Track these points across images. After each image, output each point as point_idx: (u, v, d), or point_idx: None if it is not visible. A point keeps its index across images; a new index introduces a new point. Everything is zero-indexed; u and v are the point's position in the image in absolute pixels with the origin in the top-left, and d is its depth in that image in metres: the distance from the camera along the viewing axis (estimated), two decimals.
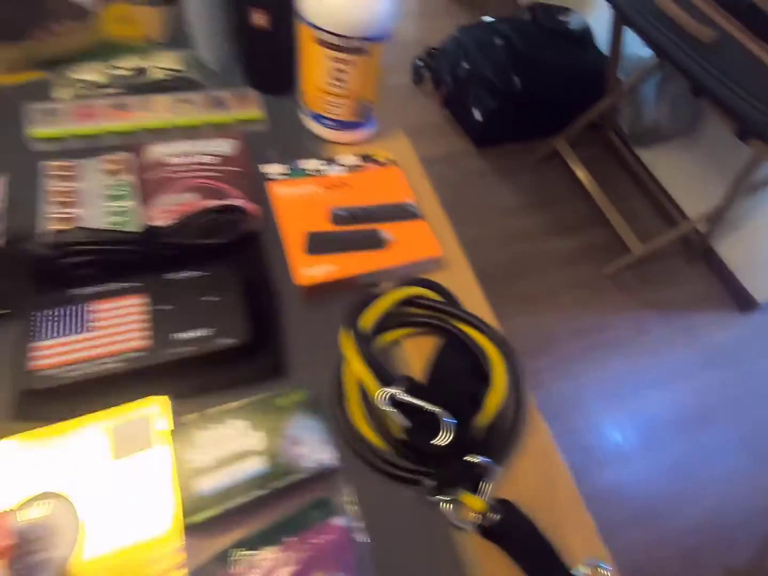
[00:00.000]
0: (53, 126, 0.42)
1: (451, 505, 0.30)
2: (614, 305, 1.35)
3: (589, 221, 1.53)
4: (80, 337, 0.30)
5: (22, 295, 0.33)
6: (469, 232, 0.75)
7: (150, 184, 0.41)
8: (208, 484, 0.26)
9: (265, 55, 0.48)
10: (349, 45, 0.39)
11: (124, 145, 0.43)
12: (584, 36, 1.59)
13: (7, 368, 0.30)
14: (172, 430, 0.28)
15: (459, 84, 1.59)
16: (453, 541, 0.30)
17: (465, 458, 0.29)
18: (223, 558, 0.26)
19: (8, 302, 0.33)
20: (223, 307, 0.33)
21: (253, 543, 0.26)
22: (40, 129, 0.41)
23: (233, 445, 0.27)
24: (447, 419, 0.30)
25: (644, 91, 1.44)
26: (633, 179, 1.61)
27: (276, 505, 0.27)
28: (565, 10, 1.59)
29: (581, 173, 1.55)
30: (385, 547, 0.29)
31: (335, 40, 0.39)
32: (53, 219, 0.38)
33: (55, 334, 0.30)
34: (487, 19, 1.65)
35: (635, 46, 1.35)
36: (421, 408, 0.31)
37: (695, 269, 1.46)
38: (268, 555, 0.26)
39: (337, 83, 0.43)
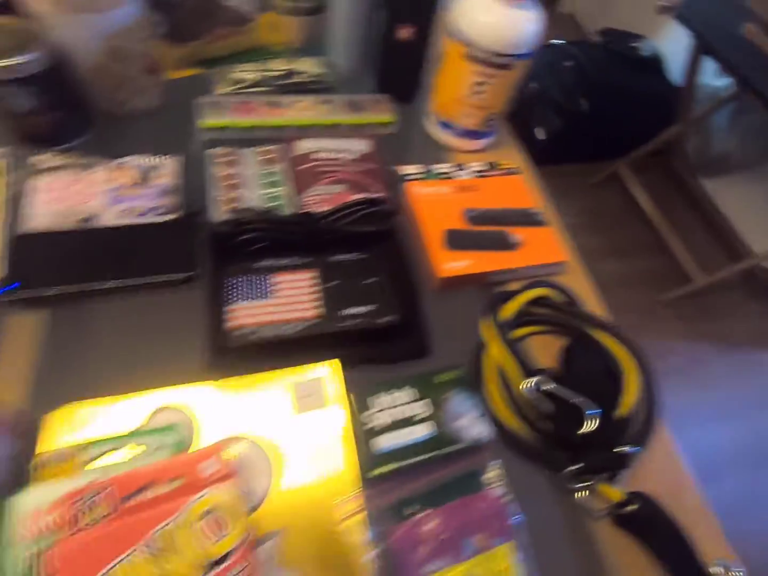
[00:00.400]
0: (218, 117, 0.47)
1: (588, 493, 0.32)
2: (670, 333, 1.33)
3: (647, 247, 1.51)
4: (265, 303, 0.34)
5: (200, 260, 0.38)
6: None
7: (302, 175, 0.45)
8: (384, 443, 0.29)
9: (401, 65, 0.52)
10: (497, 61, 0.43)
11: (275, 137, 0.48)
12: (654, 62, 1.59)
13: (197, 326, 0.34)
14: (348, 393, 0.31)
15: (523, 102, 1.62)
16: (587, 528, 0.32)
17: (614, 449, 0.31)
18: (395, 511, 0.29)
19: (190, 266, 0.37)
20: (380, 288, 0.36)
21: (419, 501, 0.29)
22: (208, 119, 0.46)
23: (404, 410, 0.30)
24: (591, 410, 0.32)
25: (716, 120, 1.43)
26: (696, 208, 1.59)
27: (437, 470, 0.30)
28: (637, 36, 1.60)
29: (642, 198, 1.54)
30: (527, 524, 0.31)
31: (485, 56, 0.43)
32: (221, 200, 0.43)
33: (244, 299, 0.34)
34: (557, 41, 1.68)
35: (708, 75, 1.35)
36: (564, 398, 0.33)
37: (757, 304, 1.42)
38: (433, 514, 0.29)
39: (476, 95, 0.46)
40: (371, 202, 0.41)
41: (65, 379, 0.32)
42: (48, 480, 0.25)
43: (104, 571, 0.21)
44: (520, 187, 0.48)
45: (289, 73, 0.52)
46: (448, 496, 0.30)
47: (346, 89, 0.54)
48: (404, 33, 0.49)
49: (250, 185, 0.45)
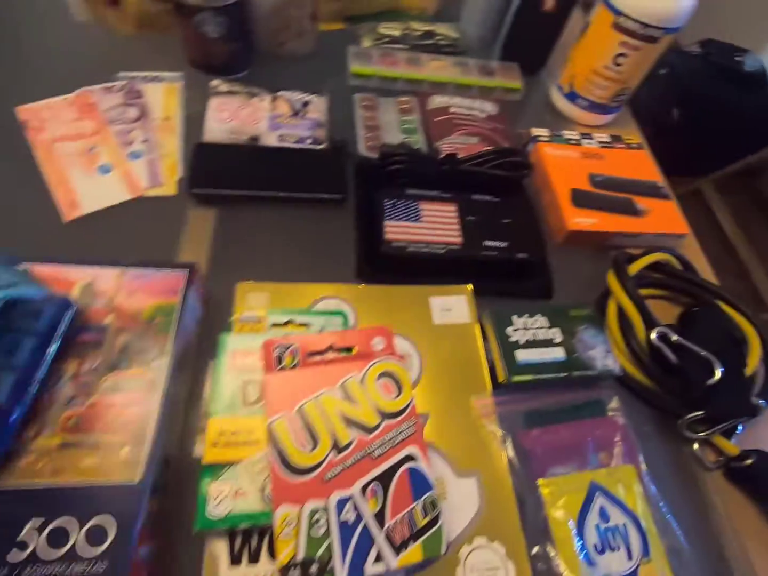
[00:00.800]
0: (365, 65, 0.51)
1: (701, 444, 0.34)
2: None
3: (723, 268, 1.45)
4: (414, 224, 0.37)
5: (346, 185, 0.42)
6: None
7: (437, 125, 0.48)
8: (524, 356, 0.32)
9: (536, 36, 0.54)
10: (647, 33, 0.44)
11: (411, 90, 0.52)
12: (757, 78, 1.52)
13: (347, 240, 0.39)
14: (485, 312, 0.34)
15: None
16: (696, 476, 0.34)
17: (750, 400, 0.32)
18: (525, 418, 0.31)
19: (341, 190, 0.41)
20: (516, 229, 0.39)
21: (548, 415, 0.32)
22: (357, 66, 0.50)
23: (540, 333, 0.33)
24: (718, 365, 0.34)
25: None
26: None
27: (566, 391, 0.32)
28: (742, 49, 1.53)
29: (724, 219, 1.48)
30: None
31: (636, 27, 0.44)
32: (364, 138, 0.47)
33: (398, 219, 0.37)
34: None
35: None
36: (693, 350, 0.34)
37: None
38: (560, 427, 0.31)
39: (615, 67, 0.47)
40: (509, 152, 0.43)
41: (234, 263, 0.37)
42: (243, 333, 0.30)
43: (303, 401, 0.25)
44: (644, 161, 0.49)
45: (428, 34, 0.55)
46: (574, 415, 0.32)
47: (475, 56, 0.57)
48: (548, 3, 0.51)
49: (388, 129, 0.49)
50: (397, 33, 0.55)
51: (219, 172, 0.40)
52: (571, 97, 0.53)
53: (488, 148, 0.45)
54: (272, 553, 0.25)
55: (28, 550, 0.21)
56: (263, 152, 0.43)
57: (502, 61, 0.56)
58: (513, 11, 0.55)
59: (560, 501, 0.28)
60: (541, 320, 0.34)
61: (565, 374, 0.32)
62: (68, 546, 0.22)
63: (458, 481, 0.28)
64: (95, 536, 0.22)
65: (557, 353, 0.33)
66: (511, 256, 0.37)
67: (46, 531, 0.22)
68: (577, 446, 0.31)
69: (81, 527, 0.22)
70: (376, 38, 0.55)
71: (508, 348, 0.32)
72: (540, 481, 0.29)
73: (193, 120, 0.44)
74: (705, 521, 0.32)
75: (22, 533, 0.22)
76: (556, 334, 0.34)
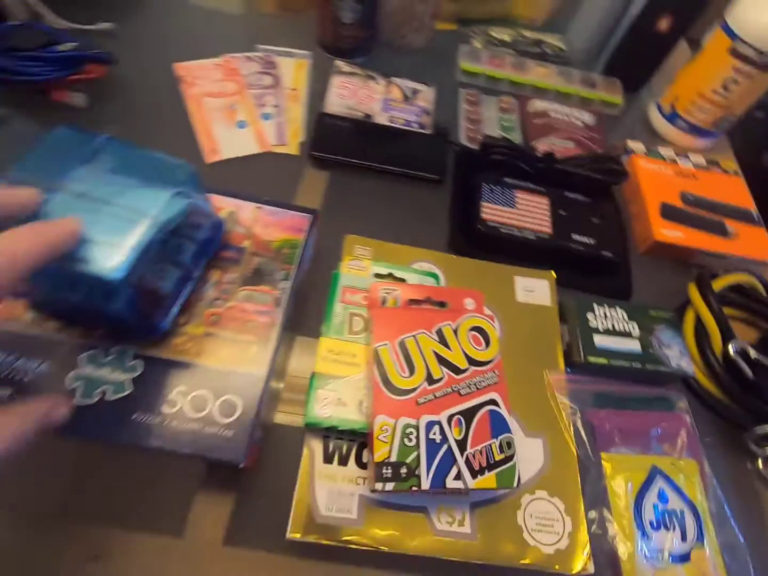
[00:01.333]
0: (474, 64, 0.54)
1: (765, 461, 0.34)
2: None
3: None
4: (509, 209, 0.40)
5: (445, 168, 0.45)
6: None
7: (535, 126, 0.51)
8: (601, 341, 0.34)
9: (645, 54, 0.56)
10: (763, 61, 0.45)
11: (513, 92, 0.55)
12: None
13: (442, 216, 0.43)
14: (574, 296, 0.36)
15: None
16: (759, 491, 0.34)
17: None
18: (594, 398, 0.33)
19: (441, 172, 0.45)
20: (604, 229, 0.41)
21: (617, 401, 0.33)
22: (466, 64, 0.54)
23: (618, 325, 0.35)
24: None
25: None
26: None
27: (638, 383, 0.34)
28: None
29: None
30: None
31: (752, 54, 0.45)
32: (465, 128, 0.50)
33: (494, 203, 0.40)
34: None
35: None
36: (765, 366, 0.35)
37: None
38: (628, 413, 0.33)
39: (723, 92, 0.48)
40: (606, 158, 0.45)
41: (340, 220, 0.40)
42: (351, 274, 0.34)
43: (404, 336, 0.29)
44: (738, 188, 0.49)
45: (537, 42, 0.58)
46: (643, 405, 0.33)
47: (578, 67, 0.59)
48: (662, 24, 0.52)
49: (488, 124, 0.52)
50: (507, 38, 0.58)
51: (336, 140, 0.45)
52: (671, 117, 0.54)
53: (585, 152, 0.47)
54: (358, 461, 0.28)
55: (177, 408, 0.26)
56: (375, 128, 0.47)
57: (605, 75, 0.58)
58: (625, 29, 0.56)
59: (621, 476, 0.30)
60: (620, 312, 0.36)
61: (639, 365, 0.33)
62: (206, 411, 0.26)
63: (526, 440, 0.31)
64: (226, 409, 0.27)
65: (633, 345, 0.34)
66: (596, 253, 0.39)
67: (190, 396, 0.26)
68: (642, 432, 0.32)
69: (216, 400, 0.27)
70: (486, 40, 0.58)
71: (587, 331, 0.34)
72: (603, 455, 0.31)
73: (316, 93, 0.50)
74: (763, 528, 0.32)
75: (172, 394, 0.26)
76: (634, 328, 0.35)
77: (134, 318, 0.26)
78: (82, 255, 0.22)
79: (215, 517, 0.28)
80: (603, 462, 0.31)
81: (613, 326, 0.35)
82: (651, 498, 0.29)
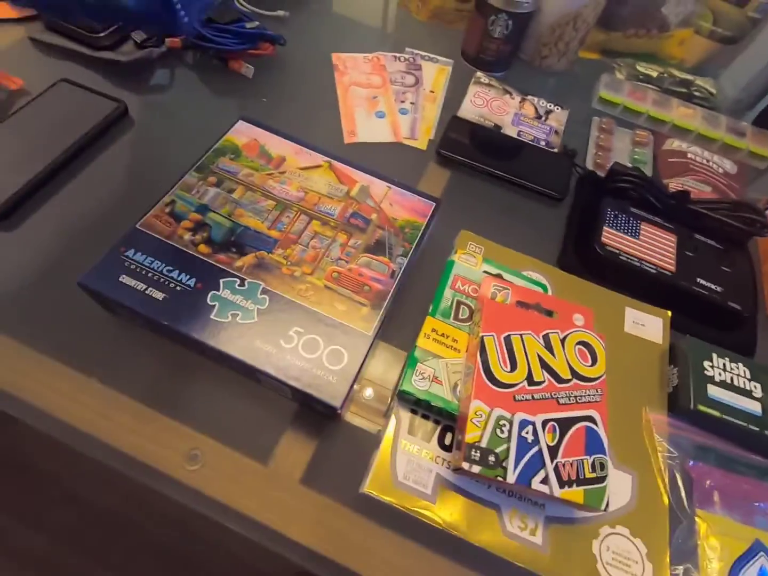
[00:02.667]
0: (614, 94, 0.54)
1: None
2: None
3: None
4: (631, 239, 0.39)
5: (567, 188, 0.45)
6: None
7: (669, 164, 0.49)
8: (716, 393, 0.31)
9: None
10: None
11: (650, 128, 0.53)
12: None
13: (556, 234, 0.42)
14: (692, 339, 0.34)
15: None
16: None
17: None
18: (695, 450, 0.31)
19: (562, 191, 0.45)
20: (734, 279, 0.38)
21: (721, 460, 0.31)
22: (606, 93, 0.54)
23: (738, 381, 0.32)
24: None
25: None
26: None
27: (749, 449, 0.31)
28: None
29: None
30: None
31: None
32: (594, 155, 0.50)
33: (617, 229, 0.39)
34: None
35: None
36: None
37: None
38: (732, 476, 0.30)
39: None
40: (746, 207, 0.42)
41: (455, 216, 0.42)
42: (464, 265, 0.35)
43: (511, 332, 0.29)
44: None
45: (685, 82, 0.56)
46: (754, 473, 0.30)
47: (726, 114, 0.56)
48: None
49: (618, 154, 0.51)
50: (653, 74, 0.56)
51: (463, 142, 0.47)
52: None
53: (726, 198, 0.44)
54: (440, 442, 0.29)
55: (292, 344, 0.28)
56: (503, 138, 0.48)
57: (757, 127, 0.54)
58: None
59: (716, 539, 0.27)
60: (743, 369, 0.33)
61: (756, 429, 0.30)
62: (316, 354, 0.28)
63: (615, 471, 0.29)
64: (333, 357, 0.28)
65: (753, 406, 0.31)
66: (723, 302, 0.37)
67: (305, 337, 0.29)
68: (747, 501, 0.29)
69: (326, 346, 0.29)
70: (630, 73, 0.57)
71: (701, 378, 0.32)
72: (699, 512, 0.28)
73: (452, 99, 0.52)
74: None
75: (290, 331, 0.29)
76: (756, 389, 0.32)
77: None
78: None
79: (298, 455, 0.30)
80: (697, 519, 0.28)
81: (732, 381, 0.32)
82: (750, 572, 0.26)
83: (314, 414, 0.31)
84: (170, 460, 0.29)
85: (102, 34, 0.46)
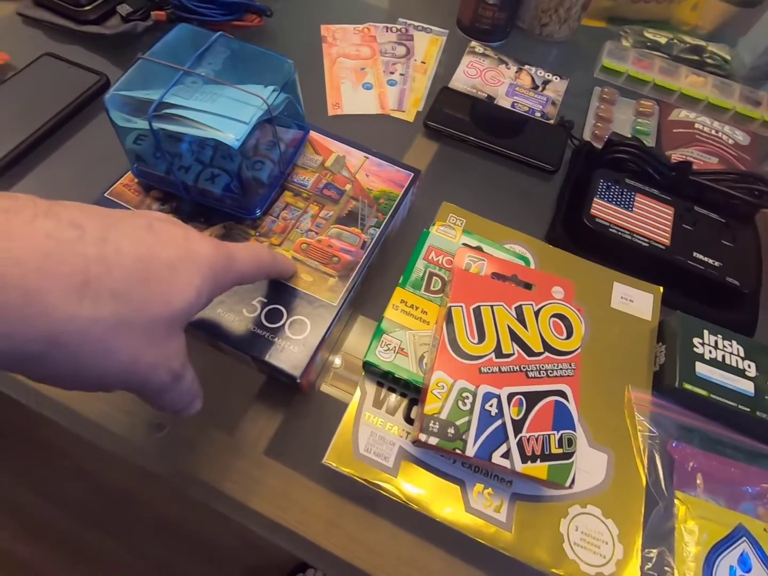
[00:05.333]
0: (618, 62, 0.51)
1: None
2: None
3: None
4: (624, 211, 0.37)
5: (561, 161, 0.43)
6: None
7: (674, 135, 0.46)
8: (704, 371, 0.29)
9: None
10: None
11: (656, 97, 0.50)
12: None
13: (547, 207, 0.40)
14: (682, 315, 0.32)
15: None
16: None
17: None
18: (679, 430, 0.29)
19: (556, 163, 0.43)
20: (735, 254, 0.36)
21: (706, 441, 0.29)
22: (609, 61, 0.51)
23: (731, 359, 0.30)
24: None
25: None
26: None
27: (737, 428, 0.29)
28: None
29: None
30: None
31: None
32: (593, 126, 0.47)
33: (609, 201, 0.37)
34: None
35: None
36: None
37: None
38: (716, 458, 0.28)
39: None
40: (756, 178, 0.39)
41: (440, 188, 0.41)
42: (441, 236, 0.34)
43: (481, 303, 0.28)
44: None
45: (696, 49, 0.52)
46: (740, 456, 0.29)
47: (741, 83, 0.52)
48: None
49: (619, 125, 0.48)
50: (662, 40, 0.53)
51: (452, 114, 0.45)
52: None
53: (736, 169, 0.41)
54: (406, 416, 0.28)
55: (255, 314, 0.28)
56: (495, 109, 0.46)
57: None
58: None
59: (695, 522, 0.26)
60: (737, 347, 0.31)
61: (747, 409, 0.28)
62: (278, 324, 0.28)
63: (589, 449, 0.28)
64: (296, 327, 0.28)
65: (745, 385, 0.29)
66: (720, 277, 0.34)
67: (267, 307, 0.28)
68: (732, 485, 0.27)
69: (289, 317, 0.28)
70: (637, 41, 0.54)
71: (689, 356, 0.30)
72: (678, 494, 0.27)
73: (445, 70, 0.50)
74: None
75: (254, 300, 0.28)
76: (750, 368, 0.30)
77: (240, 189, 0.29)
78: (212, 125, 0.26)
79: (262, 427, 0.29)
80: (677, 501, 0.27)
81: (723, 359, 0.30)
82: (729, 559, 0.25)
83: (282, 386, 0.30)
84: (136, 428, 0.29)
85: (88, 8, 0.46)
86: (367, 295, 0.34)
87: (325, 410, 0.30)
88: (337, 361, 0.31)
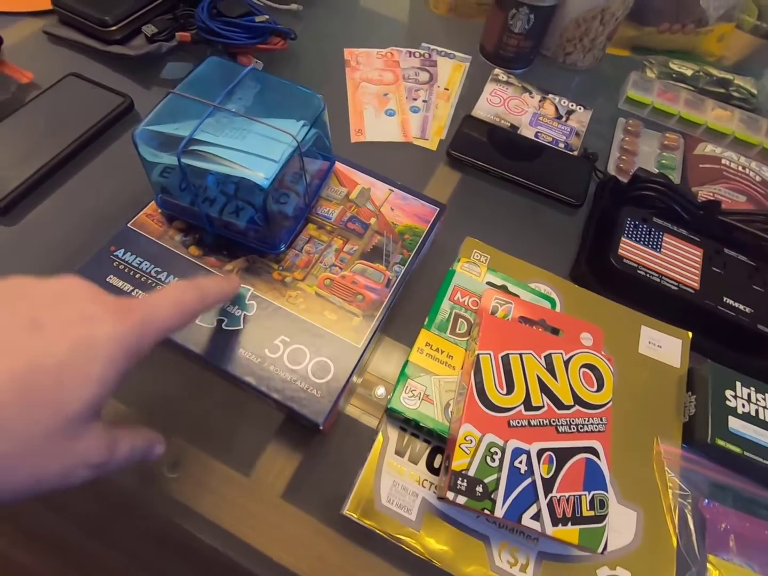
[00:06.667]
0: (643, 94, 0.50)
1: None
2: None
3: None
4: (652, 252, 0.36)
5: (585, 194, 0.42)
6: None
7: (700, 171, 0.45)
8: (737, 426, 0.29)
9: None
10: None
11: (681, 131, 0.50)
12: None
13: (570, 243, 0.40)
14: (714, 365, 0.31)
15: None
16: None
17: None
18: (709, 487, 0.28)
19: (580, 197, 0.42)
20: (766, 300, 0.35)
21: (747, 503, 0.28)
22: (634, 92, 0.50)
23: (766, 415, 0.29)
24: None
25: None
26: None
27: None
28: None
29: None
30: None
31: None
32: (617, 159, 0.47)
33: (636, 241, 0.36)
34: None
35: None
36: None
37: None
38: (750, 520, 0.27)
39: None
40: None
41: (463, 221, 0.40)
42: (465, 274, 0.33)
43: (510, 351, 0.27)
44: None
45: (723, 82, 0.52)
46: None
47: None
48: None
49: (643, 158, 0.47)
50: (688, 72, 0.52)
51: (476, 143, 0.44)
52: None
53: (762, 210, 0.41)
54: (429, 464, 0.27)
55: (277, 354, 0.27)
56: (519, 139, 0.46)
57: None
58: None
59: None
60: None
61: None
62: (301, 366, 0.27)
63: (617, 507, 0.27)
64: (319, 370, 0.27)
65: None
66: (752, 325, 0.33)
67: (291, 347, 0.28)
68: (767, 549, 0.26)
69: (312, 358, 0.27)
70: (662, 71, 0.53)
71: (721, 409, 0.29)
72: (711, 558, 0.26)
73: (467, 97, 0.49)
74: None
75: (276, 340, 0.28)
76: None
77: (265, 222, 0.29)
78: (241, 163, 0.26)
79: (280, 469, 0.29)
80: (709, 566, 0.26)
81: (757, 413, 0.29)
82: None
83: (301, 425, 0.30)
84: (150, 466, 0.29)
85: (113, 28, 0.46)
86: (389, 332, 0.34)
87: (344, 453, 0.29)
88: (381, 391, 0.30)
